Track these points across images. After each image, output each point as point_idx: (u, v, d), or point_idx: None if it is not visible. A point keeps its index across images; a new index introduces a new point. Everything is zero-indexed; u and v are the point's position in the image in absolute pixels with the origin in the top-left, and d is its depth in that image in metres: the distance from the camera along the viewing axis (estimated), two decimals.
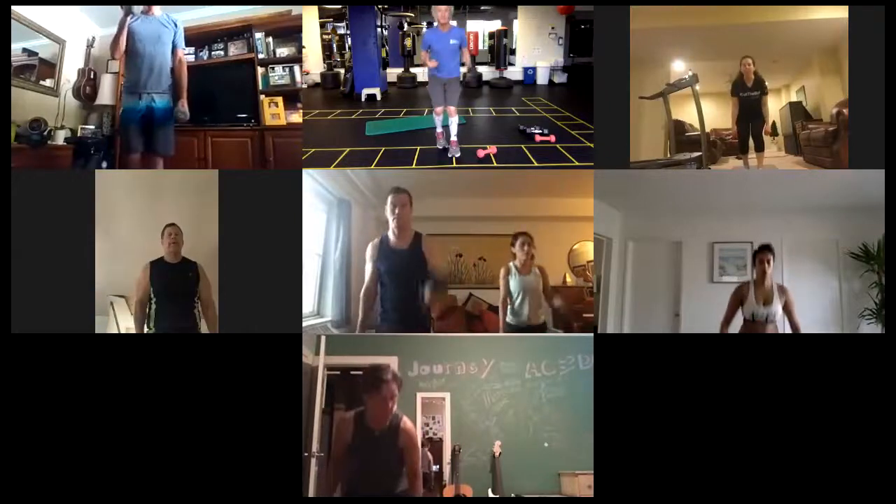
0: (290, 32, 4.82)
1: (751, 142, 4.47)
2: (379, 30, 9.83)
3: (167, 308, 3.51)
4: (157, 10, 4.03)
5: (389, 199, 3.32)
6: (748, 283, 3.65)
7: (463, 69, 5.20)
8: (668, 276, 5.71)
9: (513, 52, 11.55)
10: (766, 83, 4.40)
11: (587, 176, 3.60)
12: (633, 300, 5.71)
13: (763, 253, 3.61)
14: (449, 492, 4.01)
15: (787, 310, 3.58)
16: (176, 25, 4.08)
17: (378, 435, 2.72)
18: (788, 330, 3.66)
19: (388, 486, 2.72)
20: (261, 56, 4.81)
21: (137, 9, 3.99)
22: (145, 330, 3.51)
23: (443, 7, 5.07)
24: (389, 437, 2.73)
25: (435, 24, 5.23)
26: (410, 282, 3.31)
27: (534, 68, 11.24)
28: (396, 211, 3.30)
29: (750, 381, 3.06)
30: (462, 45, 5.14)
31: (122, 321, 3.87)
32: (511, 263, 4.04)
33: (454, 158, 5.09)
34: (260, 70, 4.81)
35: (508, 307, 4.03)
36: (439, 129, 5.34)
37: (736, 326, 3.66)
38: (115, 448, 3.01)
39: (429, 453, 4.09)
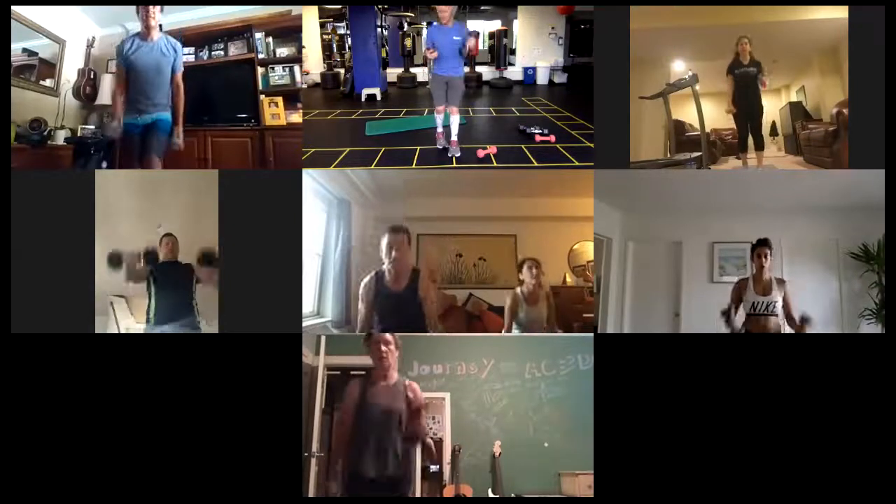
0: (290, 32, 4.82)
1: (750, 141, 4.46)
2: (379, 30, 9.82)
3: (165, 301, 3.58)
4: (156, 33, 3.87)
5: (385, 238, 3.18)
6: (746, 278, 3.63)
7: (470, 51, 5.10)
8: (668, 276, 5.71)
9: (513, 52, 11.54)
10: (763, 65, 4.37)
11: (587, 176, 3.59)
12: (633, 300, 5.71)
13: (760, 247, 3.58)
14: (449, 492, 4.01)
15: (787, 301, 3.53)
16: (176, 51, 3.97)
17: (383, 387, 2.82)
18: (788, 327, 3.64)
19: (394, 441, 2.76)
20: (261, 56, 4.81)
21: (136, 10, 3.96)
22: (143, 328, 3.57)
23: (443, 6, 5.04)
24: (394, 390, 2.82)
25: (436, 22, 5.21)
26: (407, 324, 3.24)
27: (534, 68, 11.23)
28: (393, 254, 3.15)
29: (750, 381, 3.06)
30: (464, 42, 5.10)
31: (122, 321, 3.87)
32: (518, 290, 3.96)
33: (454, 158, 5.09)
34: (260, 70, 4.81)
35: (514, 329, 4.02)
36: (439, 129, 5.34)
37: (738, 321, 3.63)
38: (115, 448, 3.01)
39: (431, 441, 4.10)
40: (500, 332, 4.15)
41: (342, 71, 10.73)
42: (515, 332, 4.03)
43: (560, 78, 11.04)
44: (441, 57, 5.07)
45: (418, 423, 2.83)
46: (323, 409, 3.73)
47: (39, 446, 3.00)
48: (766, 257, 3.56)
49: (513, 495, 4.09)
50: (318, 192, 4.59)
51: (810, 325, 3.48)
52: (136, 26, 3.98)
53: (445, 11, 5.03)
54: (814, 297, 5.25)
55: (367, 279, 3.26)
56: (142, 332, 3.63)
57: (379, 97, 9.10)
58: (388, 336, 2.87)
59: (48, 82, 4.45)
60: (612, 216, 5.60)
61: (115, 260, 3.53)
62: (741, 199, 4.95)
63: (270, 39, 4.83)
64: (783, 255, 5.27)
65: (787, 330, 3.67)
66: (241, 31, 4.79)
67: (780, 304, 3.51)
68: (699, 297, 5.52)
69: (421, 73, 10.54)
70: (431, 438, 4.11)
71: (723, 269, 5.59)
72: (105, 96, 4.68)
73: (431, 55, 5.06)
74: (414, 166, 4.94)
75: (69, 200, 3.20)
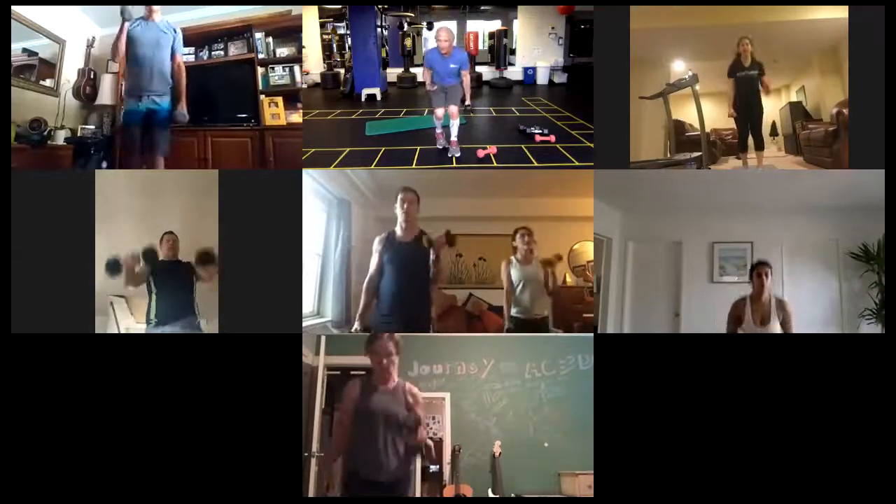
0: (290, 32, 4.82)
1: (750, 141, 4.46)
2: (379, 30, 9.81)
3: (166, 301, 3.59)
4: (158, 16, 4.06)
5: (399, 195, 3.41)
6: (745, 298, 3.59)
7: (463, 93, 5.25)
8: (668, 276, 5.71)
9: (513, 52, 11.54)
10: (764, 65, 4.38)
11: (587, 176, 3.60)
12: (633, 300, 5.71)
13: (761, 266, 3.57)
14: (449, 492, 4.01)
15: (785, 327, 3.52)
16: (175, 31, 4.12)
17: (383, 391, 2.82)
18: None
19: (393, 443, 2.75)
20: (261, 56, 4.81)
21: (137, 11, 4.00)
22: (144, 329, 3.57)
23: (443, 34, 5.09)
24: (396, 393, 2.82)
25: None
26: (413, 273, 3.38)
27: (534, 68, 11.23)
28: (405, 206, 3.39)
29: (750, 381, 3.06)
30: (462, 68, 5.17)
31: (122, 321, 3.87)
32: (512, 257, 4.10)
33: (454, 158, 5.09)
34: (260, 70, 4.81)
35: (512, 299, 4.07)
36: (439, 130, 5.35)
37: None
38: (115, 448, 3.01)
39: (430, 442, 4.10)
40: (501, 331, 4.16)
41: (342, 71, 10.73)
42: (515, 311, 4.06)
43: (560, 78, 11.03)
44: (440, 83, 5.19)
45: (418, 433, 2.82)
46: (323, 409, 3.73)
47: (40, 446, 3.00)
48: (766, 276, 3.52)
49: (513, 495, 4.09)
50: (318, 192, 4.59)
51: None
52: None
53: (445, 42, 5.07)
54: (814, 297, 5.26)
55: (381, 235, 3.47)
56: (142, 332, 3.63)
57: (379, 97, 9.10)
58: (389, 346, 2.84)
59: (48, 82, 4.45)
60: (612, 216, 5.60)
61: (112, 266, 3.49)
62: (741, 199, 4.95)
63: (270, 39, 4.83)
64: (783, 256, 5.28)
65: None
66: (241, 31, 4.79)
67: (777, 332, 3.48)
68: (699, 297, 5.52)
69: (421, 74, 10.52)
70: (431, 439, 4.12)
71: (723, 269, 5.59)
72: (105, 96, 4.68)
73: (432, 88, 5.21)
74: (414, 166, 4.94)
75: (69, 200, 3.20)
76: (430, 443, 3.06)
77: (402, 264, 3.38)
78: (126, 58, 4.05)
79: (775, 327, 3.49)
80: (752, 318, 3.51)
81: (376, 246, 3.45)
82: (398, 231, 3.44)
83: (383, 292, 3.39)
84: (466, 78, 5.25)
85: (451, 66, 5.13)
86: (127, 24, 3.99)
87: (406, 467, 2.80)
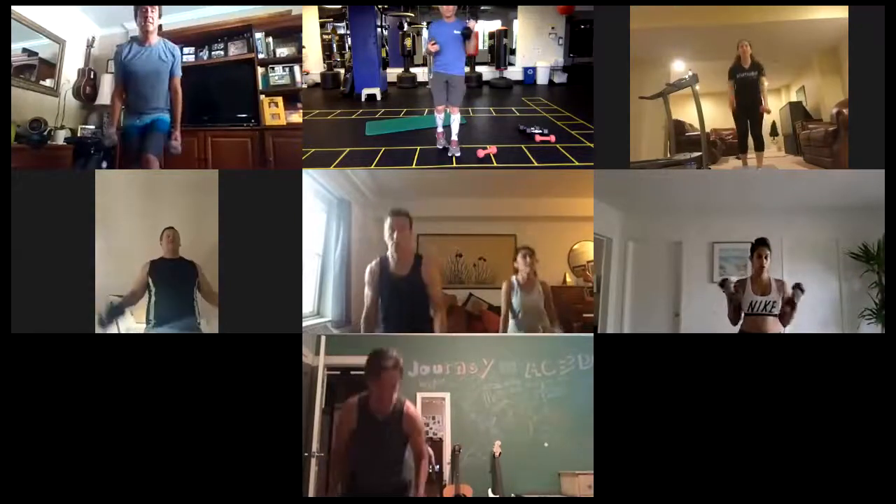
0: (290, 32, 4.82)
1: (750, 141, 4.46)
2: (379, 30, 9.82)
3: (166, 301, 3.55)
4: (154, 37, 3.93)
5: (388, 221, 3.26)
6: (745, 279, 3.61)
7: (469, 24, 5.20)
8: (668, 276, 5.71)
9: (513, 52, 11.54)
10: (764, 67, 4.39)
11: (587, 176, 3.59)
12: (633, 300, 5.70)
13: (760, 248, 3.54)
14: (449, 492, 4.01)
15: (785, 302, 3.48)
16: (174, 56, 4.02)
17: (382, 420, 2.74)
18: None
19: (394, 471, 2.74)
20: (261, 56, 4.81)
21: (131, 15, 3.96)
22: (143, 329, 3.54)
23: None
24: (393, 422, 2.75)
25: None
26: (412, 310, 3.28)
27: (534, 68, 11.23)
28: (395, 235, 3.23)
29: (750, 381, 3.06)
30: (466, 38, 5.15)
31: (122, 321, 3.87)
32: (513, 278, 4.06)
33: (454, 158, 5.09)
34: (260, 70, 4.81)
35: (510, 321, 4.05)
36: (440, 129, 5.34)
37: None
38: (115, 448, 3.01)
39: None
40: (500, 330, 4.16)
41: (342, 71, 10.73)
42: (512, 324, 4.05)
43: (560, 78, 11.04)
44: (442, 51, 5.09)
45: (419, 449, 2.80)
46: (323, 409, 3.73)
47: (40, 446, 3.00)
48: (765, 257, 3.54)
49: (513, 495, 4.09)
50: (318, 192, 4.59)
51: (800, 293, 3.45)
52: (135, 26, 3.99)
53: (448, 8, 5.05)
54: (814, 297, 5.24)
55: (372, 264, 3.33)
56: (142, 332, 3.62)
57: (379, 97, 9.10)
58: (394, 375, 2.70)
59: (48, 82, 4.45)
60: (612, 216, 5.59)
61: (115, 311, 3.46)
62: (741, 199, 4.95)
63: (270, 39, 4.83)
64: (783, 255, 5.27)
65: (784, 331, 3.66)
66: (241, 31, 4.78)
67: (779, 304, 3.49)
68: (699, 297, 5.51)
69: (421, 73, 10.54)
70: (430, 449, 4.11)
71: (723, 270, 5.58)
72: (105, 96, 4.67)
73: (433, 48, 5.09)
74: (414, 166, 4.94)
75: (69, 200, 3.20)
76: (430, 452, 2.97)
77: (399, 301, 3.26)
78: (123, 87, 3.99)
79: (776, 298, 3.43)
80: (753, 290, 3.50)
81: (368, 277, 3.30)
82: (390, 260, 3.28)
83: (383, 321, 3.30)
84: (470, 43, 5.21)
85: (455, 31, 5.10)
86: (123, 56, 3.92)
87: (407, 481, 2.78)
